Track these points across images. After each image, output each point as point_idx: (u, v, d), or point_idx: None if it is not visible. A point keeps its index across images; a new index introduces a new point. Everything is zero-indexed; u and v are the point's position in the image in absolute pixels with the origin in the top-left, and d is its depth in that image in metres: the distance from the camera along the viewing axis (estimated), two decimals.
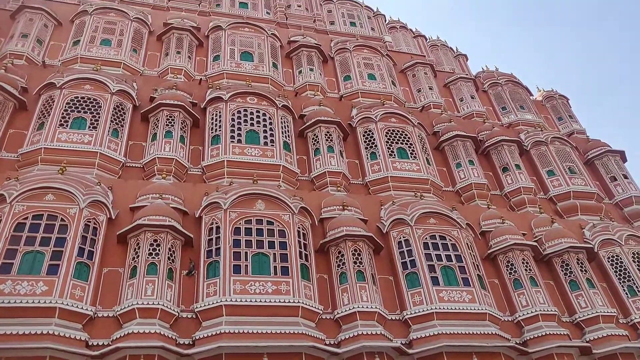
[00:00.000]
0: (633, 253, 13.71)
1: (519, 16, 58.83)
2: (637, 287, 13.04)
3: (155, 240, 10.49)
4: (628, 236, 14.01)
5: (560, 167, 16.27)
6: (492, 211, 14.11)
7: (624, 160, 17.57)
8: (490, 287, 12.28)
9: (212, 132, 13.70)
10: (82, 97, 13.18)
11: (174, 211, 11.16)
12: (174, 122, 13.32)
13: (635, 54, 53.38)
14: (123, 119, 13.32)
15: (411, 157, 14.79)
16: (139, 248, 10.44)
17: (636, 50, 53.20)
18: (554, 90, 21.06)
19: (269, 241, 11.10)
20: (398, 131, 15.29)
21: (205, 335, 9.66)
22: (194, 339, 9.75)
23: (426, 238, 12.25)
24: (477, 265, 12.35)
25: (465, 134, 16.08)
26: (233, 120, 13.82)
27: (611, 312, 12.29)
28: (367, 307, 10.67)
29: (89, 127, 12.66)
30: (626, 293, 13.02)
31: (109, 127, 12.81)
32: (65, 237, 10.10)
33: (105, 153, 12.31)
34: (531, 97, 20.32)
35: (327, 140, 14.33)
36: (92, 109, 13.03)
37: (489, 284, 12.35)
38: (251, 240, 11.02)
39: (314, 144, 14.42)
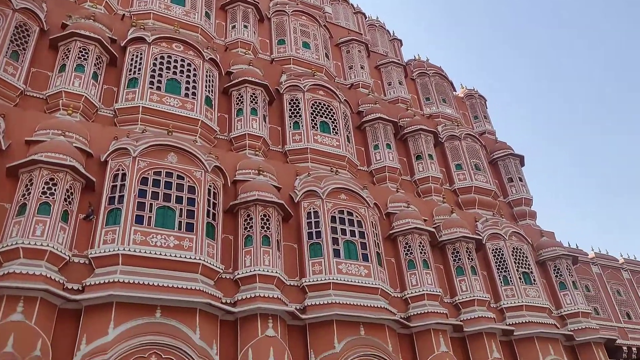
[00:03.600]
0: (513, 248, 15.24)
1: (459, 15, 60.99)
2: (510, 277, 14.60)
3: (51, 179, 9.77)
4: (512, 232, 15.51)
5: (467, 163, 17.44)
6: (399, 195, 14.86)
7: (522, 164, 19.23)
8: (386, 264, 13.04)
9: (130, 74, 12.85)
10: None
11: (77, 151, 10.43)
12: (87, 56, 12.29)
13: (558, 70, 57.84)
14: (26, 42, 12.02)
15: (333, 132, 15.02)
16: (31, 185, 9.68)
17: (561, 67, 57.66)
18: (475, 90, 22.21)
19: (177, 196, 10.81)
20: (324, 105, 15.40)
21: (97, 282, 9.31)
22: (84, 285, 9.35)
23: (334, 212, 12.64)
24: (378, 243, 13.01)
25: (387, 117, 16.59)
26: (154, 65, 13.05)
27: (485, 297, 13.68)
28: (267, 271, 10.87)
29: None
30: (501, 282, 14.56)
31: (8, 48, 11.48)
32: None
33: None
34: (454, 93, 21.35)
35: (251, 102, 14.07)
36: None
37: (386, 261, 13.11)
38: (158, 193, 10.68)
39: (237, 104, 14.09)
